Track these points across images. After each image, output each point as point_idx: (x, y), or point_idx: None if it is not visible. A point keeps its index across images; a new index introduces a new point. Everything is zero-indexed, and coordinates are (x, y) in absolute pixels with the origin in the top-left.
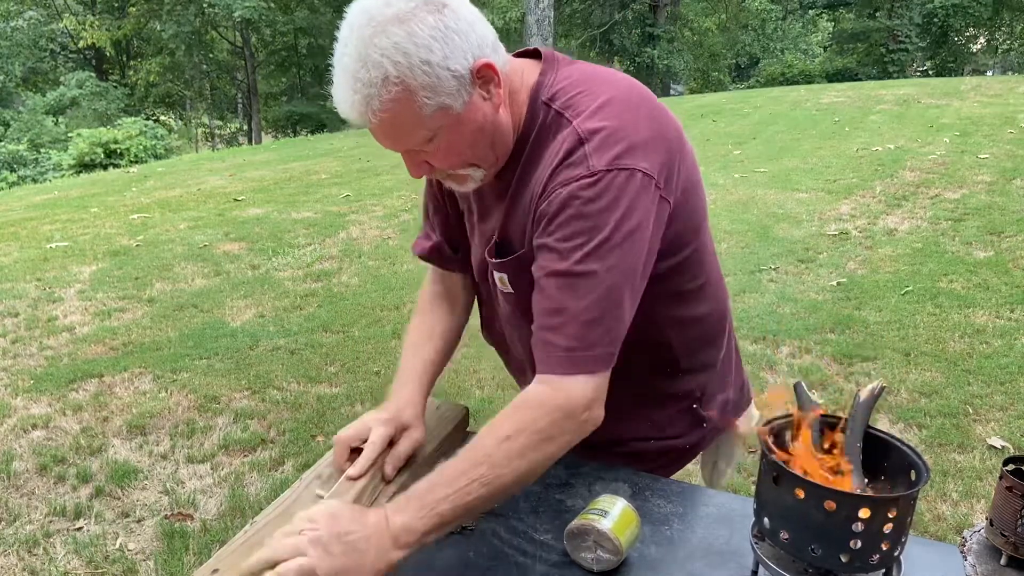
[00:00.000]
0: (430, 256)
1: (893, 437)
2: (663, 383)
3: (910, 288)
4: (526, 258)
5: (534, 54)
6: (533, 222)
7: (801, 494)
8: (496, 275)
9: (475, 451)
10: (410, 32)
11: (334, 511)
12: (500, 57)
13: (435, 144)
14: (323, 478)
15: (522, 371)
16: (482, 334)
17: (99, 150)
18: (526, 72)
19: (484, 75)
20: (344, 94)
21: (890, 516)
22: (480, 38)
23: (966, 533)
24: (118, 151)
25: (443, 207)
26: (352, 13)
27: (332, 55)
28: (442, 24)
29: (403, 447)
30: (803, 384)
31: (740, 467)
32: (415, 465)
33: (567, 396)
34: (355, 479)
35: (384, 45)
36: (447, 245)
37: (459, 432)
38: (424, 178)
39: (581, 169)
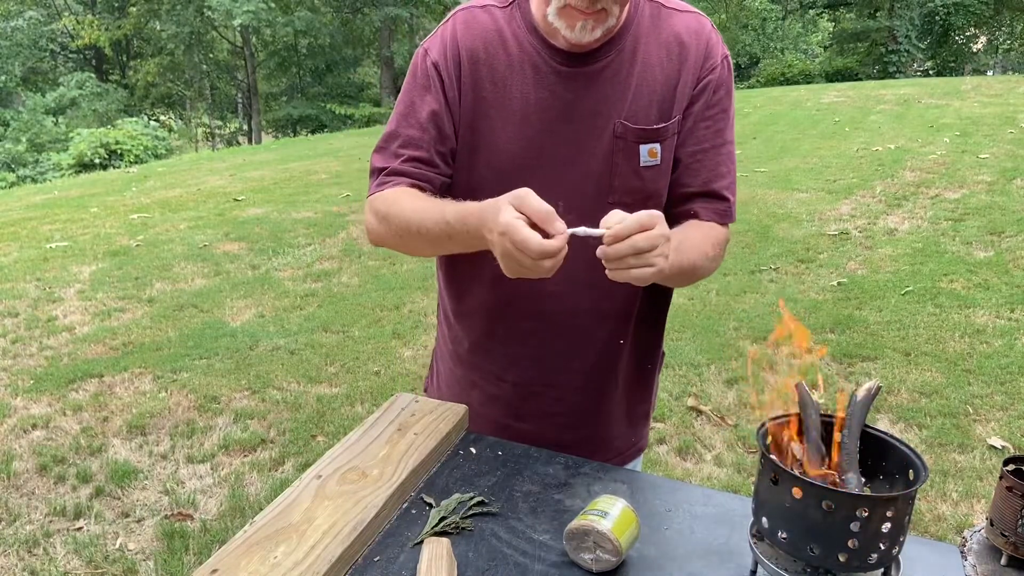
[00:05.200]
0: (415, 168)
1: (891, 437)
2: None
3: (910, 288)
4: (674, 127)
5: None
6: (693, 89)
7: (799, 494)
8: (644, 148)
9: (698, 251)
10: None
11: (668, 233)
12: None
13: None
14: (323, 478)
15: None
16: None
17: (100, 150)
18: None
19: None
20: None
21: (888, 516)
22: None
23: (966, 533)
24: (118, 151)
25: (451, 123)
26: None
27: (332, 55)
28: None
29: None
30: (804, 384)
31: (739, 467)
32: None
33: (728, 238)
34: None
35: None
36: (439, 161)
37: (458, 431)
38: (426, 91)
39: (723, 49)
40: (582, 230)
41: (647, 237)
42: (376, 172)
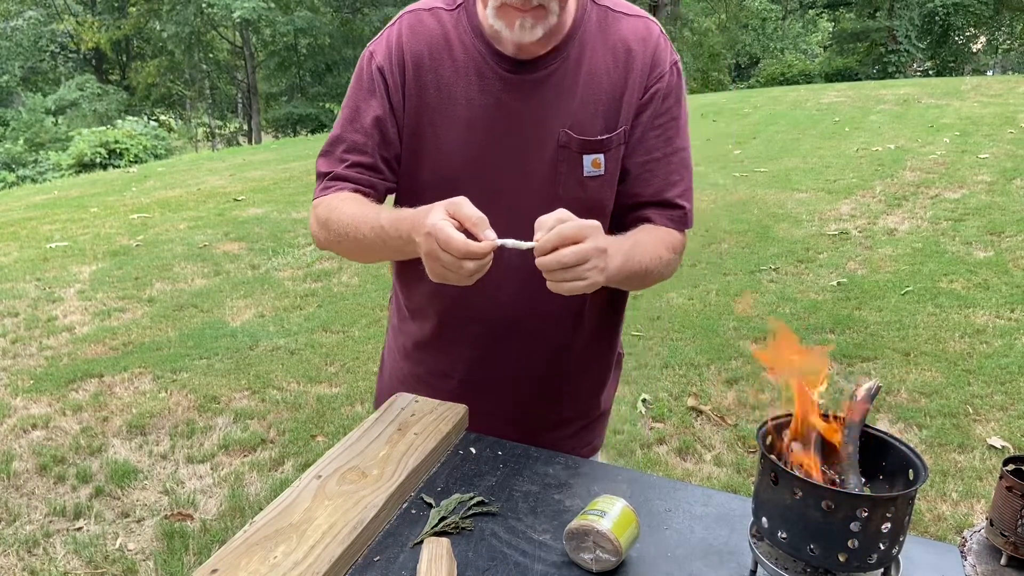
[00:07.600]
0: (358, 174)
1: (891, 437)
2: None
3: (910, 288)
4: (620, 137)
5: None
6: (640, 99)
7: (799, 494)
8: (588, 158)
9: (651, 255)
10: None
11: (603, 245)
12: None
13: None
14: (323, 478)
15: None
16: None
17: (100, 150)
18: None
19: None
20: None
21: (888, 516)
22: None
23: (966, 533)
24: (118, 151)
25: (396, 128)
26: None
27: (332, 55)
28: None
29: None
30: (803, 384)
31: (739, 467)
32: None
33: (684, 243)
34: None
35: None
36: (383, 166)
37: (458, 431)
38: (369, 102)
39: (673, 55)
40: (511, 242)
41: (574, 252)
42: (321, 177)
